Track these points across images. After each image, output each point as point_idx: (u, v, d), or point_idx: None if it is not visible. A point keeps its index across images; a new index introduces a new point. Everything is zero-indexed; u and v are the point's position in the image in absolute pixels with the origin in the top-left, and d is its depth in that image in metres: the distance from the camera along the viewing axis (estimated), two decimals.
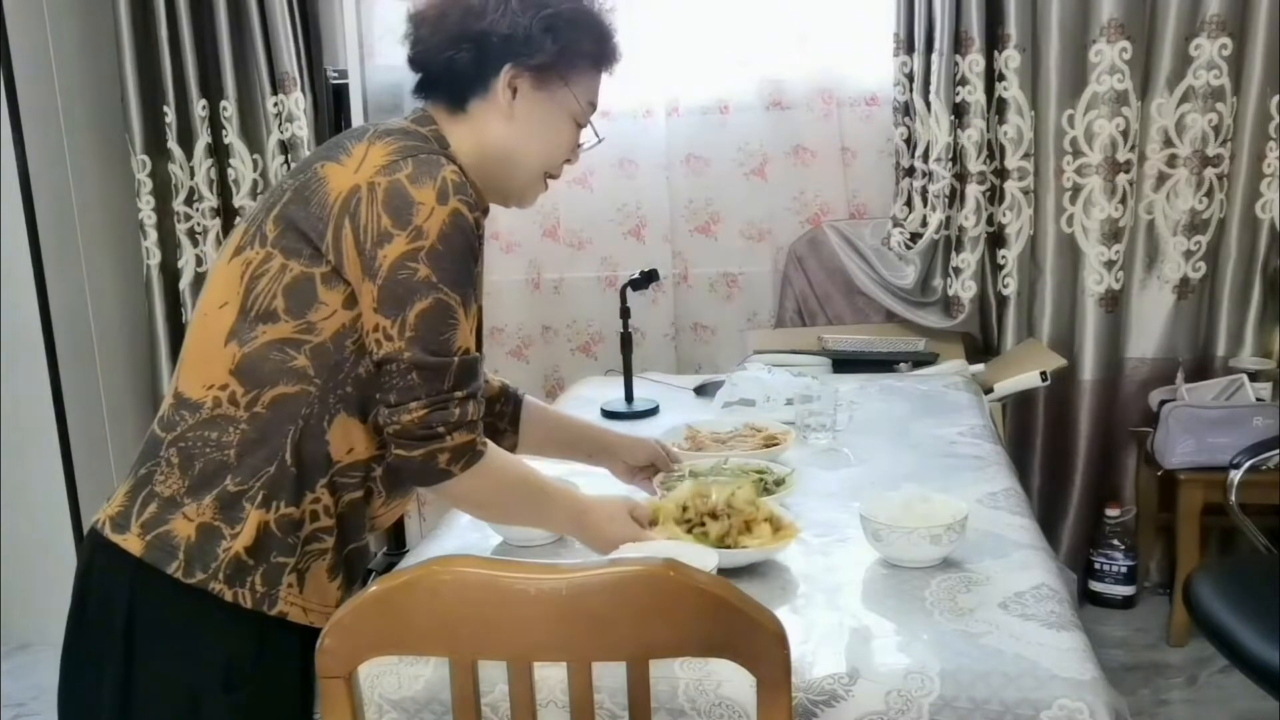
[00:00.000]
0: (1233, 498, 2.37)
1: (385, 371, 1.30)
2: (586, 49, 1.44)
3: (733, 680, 1.23)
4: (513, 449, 1.72)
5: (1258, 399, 2.91)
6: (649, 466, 1.80)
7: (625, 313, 2.46)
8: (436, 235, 1.27)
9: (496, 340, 3.55)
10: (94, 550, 1.35)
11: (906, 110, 3.13)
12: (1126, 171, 3.04)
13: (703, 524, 1.52)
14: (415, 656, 1.28)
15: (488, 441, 1.36)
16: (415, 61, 1.42)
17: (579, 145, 1.50)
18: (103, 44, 3.32)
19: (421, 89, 1.43)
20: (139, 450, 1.38)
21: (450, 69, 1.39)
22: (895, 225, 3.21)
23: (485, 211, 1.42)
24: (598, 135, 1.52)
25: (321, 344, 1.30)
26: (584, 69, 1.45)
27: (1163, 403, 2.96)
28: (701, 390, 2.56)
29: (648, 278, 2.53)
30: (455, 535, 1.75)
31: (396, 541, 3.13)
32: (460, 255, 1.29)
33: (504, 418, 1.74)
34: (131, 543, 1.31)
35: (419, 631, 1.04)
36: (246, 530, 1.30)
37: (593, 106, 1.49)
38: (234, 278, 1.32)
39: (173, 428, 1.33)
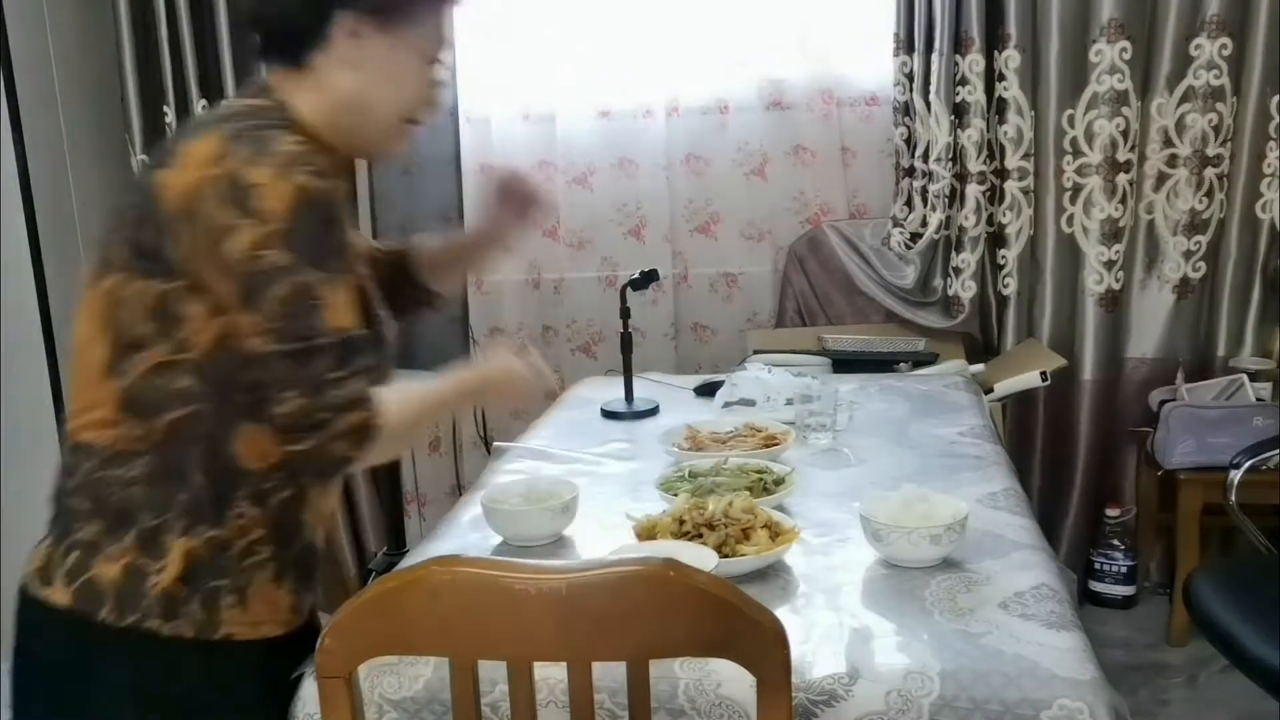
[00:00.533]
0: (1233, 498, 2.37)
1: (261, 368, 1.22)
2: None
3: (733, 680, 1.23)
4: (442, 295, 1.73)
5: (1258, 399, 2.91)
6: (510, 199, 1.71)
7: (625, 313, 2.46)
8: (283, 215, 1.18)
9: (497, 340, 3.55)
10: (23, 608, 1.32)
11: (906, 110, 3.13)
12: (1126, 171, 3.04)
13: (700, 535, 1.53)
14: (415, 656, 1.28)
15: (381, 407, 1.24)
16: (250, 22, 1.36)
17: (436, 89, 1.40)
18: (103, 44, 3.32)
19: (262, 52, 1.35)
20: (51, 506, 1.33)
21: (284, 25, 1.31)
22: (895, 225, 3.21)
23: (348, 171, 1.38)
24: (444, 67, 1.41)
25: (200, 360, 1.24)
26: (426, 4, 1.35)
27: (1163, 403, 2.96)
28: (701, 390, 2.56)
29: (648, 278, 2.53)
30: (455, 535, 1.75)
31: (396, 541, 3.13)
32: (315, 230, 1.21)
33: (416, 286, 1.70)
34: (58, 595, 1.28)
35: (419, 631, 1.04)
36: (173, 561, 1.26)
37: (444, 43, 1.38)
38: (97, 311, 1.27)
39: (75, 473, 1.29)
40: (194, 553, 1.26)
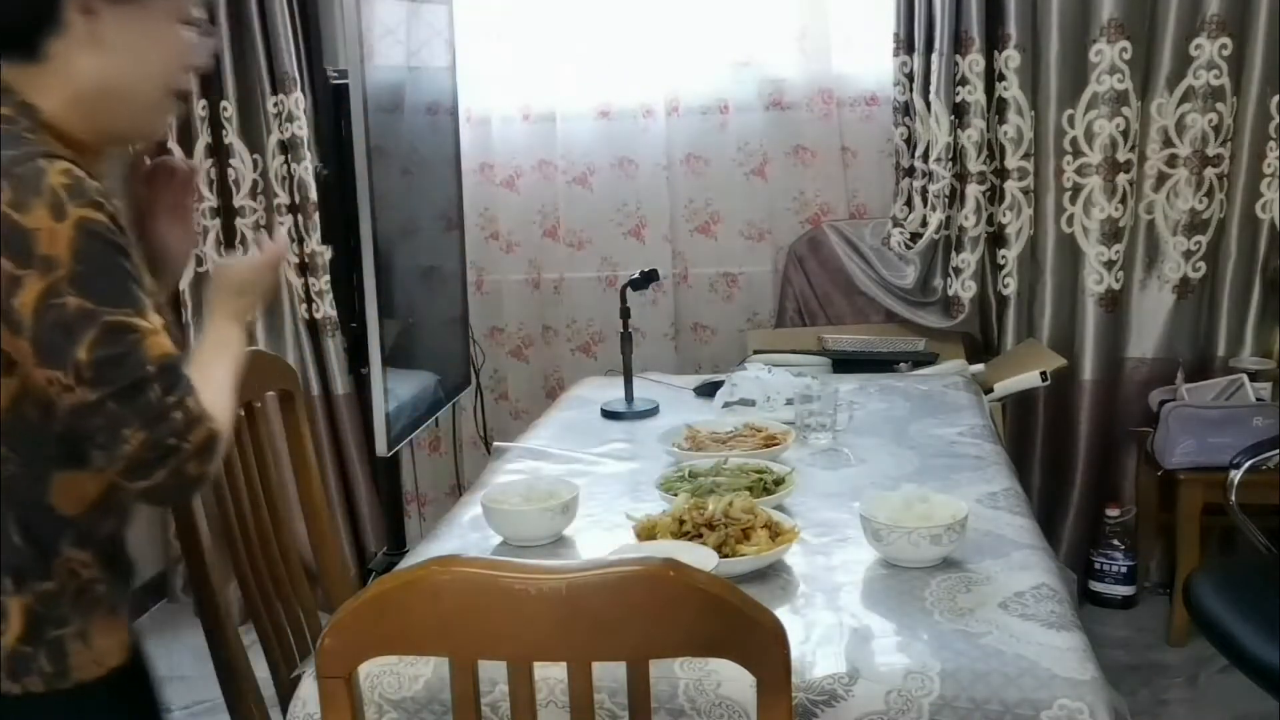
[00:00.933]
0: (1233, 498, 2.37)
1: (81, 420, 1.13)
2: None
3: (733, 680, 1.23)
4: None
5: (1258, 399, 2.91)
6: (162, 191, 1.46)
7: (625, 313, 2.47)
8: (70, 257, 1.08)
9: (496, 340, 3.55)
10: None
11: (906, 110, 3.13)
12: (1126, 171, 3.04)
13: (699, 535, 1.53)
14: (415, 656, 1.28)
15: (212, 411, 1.18)
16: None
17: (192, 46, 1.27)
18: None
19: None
20: None
21: (10, 12, 1.17)
22: (895, 225, 3.21)
23: (94, 153, 1.24)
24: (205, 22, 1.31)
25: (8, 421, 1.16)
26: None
27: (1163, 403, 2.96)
28: (701, 390, 2.56)
29: (648, 278, 2.53)
30: (455, 535, 1.75)
31: (396, 541, 3.13)
32: (107, 264, 1.11)
33: None
34: None
35: (419, 631, 1.04)
36: (13, 621, 1.19)
37: None
38: None
39: None
40: (31, 608, 1.20)
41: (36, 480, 1.19)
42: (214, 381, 1.23)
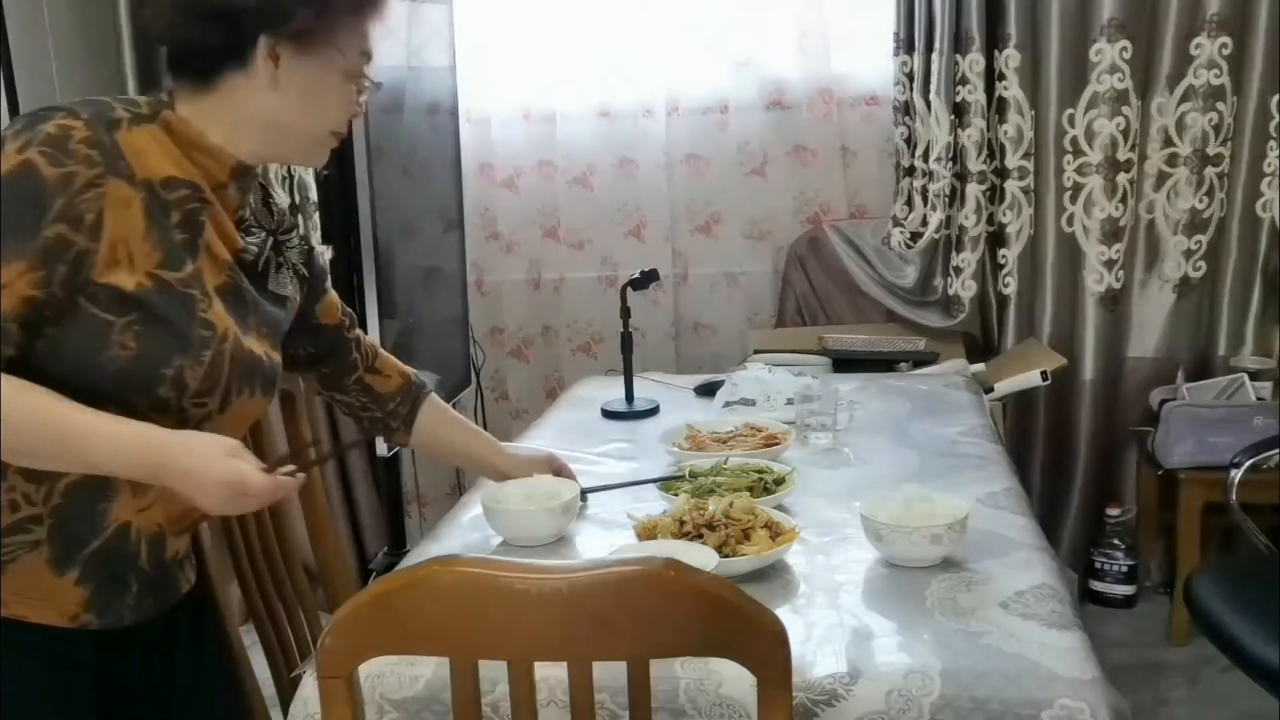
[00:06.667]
0: (1233, 497, 2.37)
1: None
2: (344, 3, 1.31)
3: (733, 680, 1.23)
4: (404, 445, 1.69)
5: (1258, 398, 2.91)
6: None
7: (625, 313, 2.46)
8: None
9: (497, 340, 3.55)
10: None
11: (906, 110, 3.13)
12: (1127, 171, 3.04)
13: (700, 535, 1.53)
14: (415, 656, 1.28)
15: None
16: (159, 38, 1.31)
17: (359, 99, 1.38)
18: (103, 44, 3.32)
19: (170, 65, 1.31)
20: None
21: (200, 46, 1.27)
22: (895, 225, 3.21)
23: (237, 177, 1.32)
24: (374, 81, 1.38)
25: None
26: (347, 23, 1.32)
27: (1163, 402, 2.96)
28: (702, 390, 2.56)
29: (648, 277, 2.53)
30: (456, 535, 1.75)
31: (396, 541, 3.13)
32: (13, 207, 1.15)
33: (397, 416, 1.68)
34: None
35: (419, 631, 1.04)
36: None
37: (366, 56, 1.36)
38: None
39: None
40: None
41: None
42: (34, 399, 1.18)
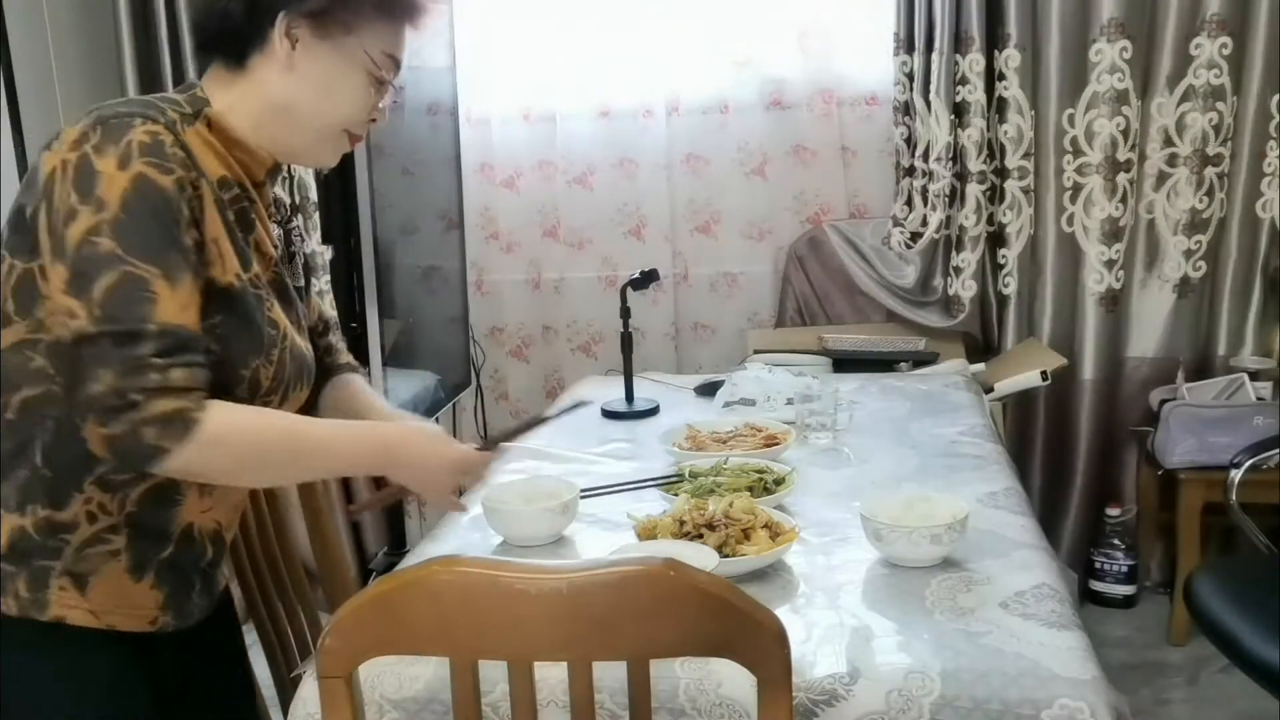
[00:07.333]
0: (1233, 497, 2.37)
1: (77, 349, 1.16)
2: None
3: (733, 680, 1.23)
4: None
5: (1258, 398, 2.91)
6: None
7: (625, 313, 2.46)
8: (118, 204, 1.16)
9: (496, 340, 3.55)
10: None
11: (906, 110, 3.13)
12: (1127, 171, 3.04)
13: (700, 535, 1.53)
14: (415, 656, 1.28)
15: (208, 404, 1.19)
16: (194, 21, 1.35)
17: (380, 104, 1.38)
18: (103, 44, 3.32)
19: (202, 49, 1.35)
20: None
21: (224, 23, 1.30)
22: (895, 225, 3.21)
23: (271, 173, 1.36)
24: (395, 88, 1.39)
25: (54, 341, 1.21)
26: (370, 17, 1.31)
27: (1163, 402, 2.96)
28: (702, 390, 2.56)
29: (648, 278, 2.53)
30: (456, 535, 1.75)
31: (396, 541, 3.13)
32: (148, 223, 1.17)
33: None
34: None
35: (419, 631, 1.04)
36: (2, 538, 1.23)
37: (393, 61, 1.36)
38: None
39: None
40: (22, 530, 1.23)
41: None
42: (268, 419, 1.26)
